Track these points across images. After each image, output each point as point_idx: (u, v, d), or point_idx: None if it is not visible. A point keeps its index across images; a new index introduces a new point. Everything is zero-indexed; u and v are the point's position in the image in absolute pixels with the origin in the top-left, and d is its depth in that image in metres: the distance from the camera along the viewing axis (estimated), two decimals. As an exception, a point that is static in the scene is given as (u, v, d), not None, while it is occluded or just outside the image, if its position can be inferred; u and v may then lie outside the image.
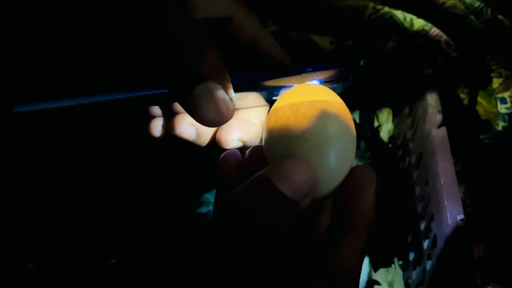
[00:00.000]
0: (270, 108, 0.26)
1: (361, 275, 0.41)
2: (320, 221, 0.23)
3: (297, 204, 0.19)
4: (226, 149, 0.25)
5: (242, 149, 0.25)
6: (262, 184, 0.19)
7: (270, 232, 0.19)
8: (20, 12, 0.22)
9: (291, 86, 0.24)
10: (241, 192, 0.19)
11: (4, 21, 0.22)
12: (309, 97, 0.21)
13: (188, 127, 0.24)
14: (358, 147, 0.53)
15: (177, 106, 0.24)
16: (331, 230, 0.20)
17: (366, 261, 0.43)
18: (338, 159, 0.21)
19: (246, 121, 0.26)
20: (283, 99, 0.22)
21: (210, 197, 0.40)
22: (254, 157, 0.23)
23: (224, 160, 0.23)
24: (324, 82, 0.24)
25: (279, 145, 0.21)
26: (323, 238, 0.20)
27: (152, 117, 0.25)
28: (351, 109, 0.53)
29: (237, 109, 0.26)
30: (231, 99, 0.20)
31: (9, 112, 0.21)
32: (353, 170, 0.21)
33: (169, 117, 0.25)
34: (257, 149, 0.24)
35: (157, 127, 0.25)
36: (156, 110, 0.25)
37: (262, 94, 0.26)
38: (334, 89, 0.24)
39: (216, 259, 0.19)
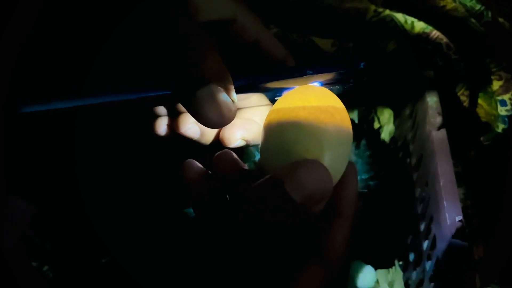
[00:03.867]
0: (273, 108, 0.27)
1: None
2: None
3: (307, 210, 0.19)
4: (229, 148, 0.25)
5: (245, 147, 0.26)
6: (274, 187, 0.19)
7: (277, 233, 0.19)
8: (20, 12, 0.23)
9: (293, 88, 0.24)
10: (251, 192, 0.19)
11: (4, 21, 0.22)
12: (313, 101, 0.22)
13: (192, 126, 0.25)
14: (358, 147, 0.53)
15: (181, 106, 0.25)
16: (321, 217, 0.21)
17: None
18: (339, 161, 0.21)
19: (249, 120, 0.26)
20: (285, 101, 0.23)
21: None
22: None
23: (220, 158, 0.24)
24: (325, 84, 0.24)
25: (279, 147, 0.21)
26: (314, 225, 0.21)
27: (157, 116, 0.25)
28: (353, 110, 0.53)
29: (240, 108, 0.26)
30: (233, 101, 0.21)
31: (11, 111, 0.21)
32: None
33: (174, 116, 0.25)
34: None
35: (161, 126, 0.25)
36: (161, 109, 0.25)
37: (265, 94, 0.26)
38: (334, 91, 0.24)
39: (217, 255, 0.19)
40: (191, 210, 0.42)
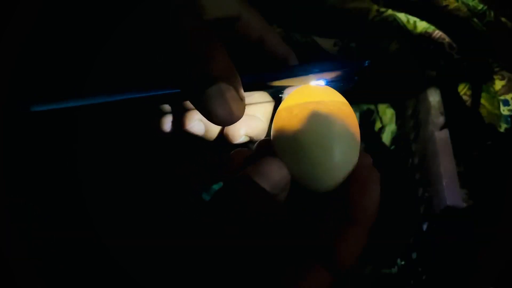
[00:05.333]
0: (275, 104, 0.27)
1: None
2: (323, 213, 0.24)
3: (274, 197, 0.21)
4: (233, 144, 0.25)
5: (248, 143, 0.26)
6: (245, 180, 0.21)
7: (255, 219, 0.20)
8: (20, 12, 0.23)
9: (297, 86, 0.24)
10: (229, 186, 0.21)
11: (4, 21, 0.22)
12: (321, 99, 0.22)
13: (197, 123, 0.25)
14: (360, 147, 0.53)
15: (186, 103, 0.25)
16: (334, 222, 0.21)
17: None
18: (343, 157, 0.22)
19: (253, 117, 0.26)
20: (293, 98, 0.23)
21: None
22: (262, 151, 0.24)
23: (233, 156, 0.24)
24: (330, 82, 0.24)
25: (292, 144, 0.21)
26: (325, 228, 0.21)
27: (162, 113, 0.26)
28: (355, 109, 0.53)
29: (244, 105, 0.26)
30: (241, 99, 0.21)
31: (12, 111, 0.21)
32: (359, 168, 0.22)
33: (179, 113, 0.25)
34: (265, 143, 0.24)
35: (167, 123, 0.26)
36: (166, 107, 0.26)
37: (267, 92, 0.26)
38: (339, 89, 0.24)
39: (210, 247, 0.20)
40: (191, 208, 0.42)
